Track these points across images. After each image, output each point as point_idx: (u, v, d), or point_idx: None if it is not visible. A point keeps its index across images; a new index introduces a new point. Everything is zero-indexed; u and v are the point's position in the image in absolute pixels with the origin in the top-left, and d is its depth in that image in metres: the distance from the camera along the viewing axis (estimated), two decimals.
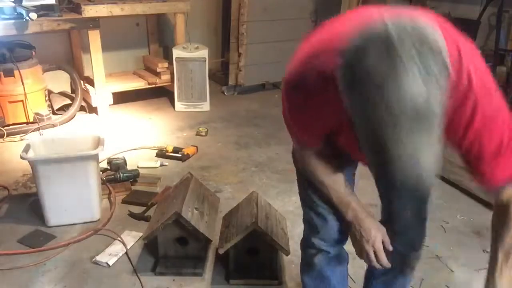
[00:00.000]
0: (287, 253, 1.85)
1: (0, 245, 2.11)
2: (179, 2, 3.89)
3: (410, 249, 1.37)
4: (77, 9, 3.41)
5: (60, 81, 3.96)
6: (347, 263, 1.48)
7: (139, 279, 1.91)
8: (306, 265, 1.44)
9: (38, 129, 3.36)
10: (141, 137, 3.41)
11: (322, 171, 1.18)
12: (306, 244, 1.39)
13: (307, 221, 1.37)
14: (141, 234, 2.16)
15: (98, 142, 2.24)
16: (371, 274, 1.53)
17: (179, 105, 4.02)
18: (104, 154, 2.79)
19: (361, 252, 1.20)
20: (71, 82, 3.93)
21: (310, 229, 1.36)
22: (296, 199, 2.53)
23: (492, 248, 1.00)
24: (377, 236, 1.17)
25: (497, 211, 1.00)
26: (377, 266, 1.19)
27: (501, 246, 0.97)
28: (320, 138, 1.11)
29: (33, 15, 3.04)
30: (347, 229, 1.24)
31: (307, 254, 1.40)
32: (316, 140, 1.12)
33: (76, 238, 2.15)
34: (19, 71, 3.28)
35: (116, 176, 2.62)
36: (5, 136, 3.28)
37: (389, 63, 0.69)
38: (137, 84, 4.03)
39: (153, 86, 4.06)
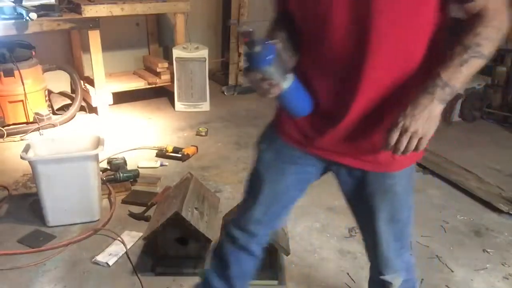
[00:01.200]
0: (287, 253, 1.85)
1: (0, 245, 2.11)
2: (179, 2, 3.89)
3: (376, 272, 1.33)
4: (77, 9, 3.41)
5: (60, 81, 3.96)
6: (255, 262, 1.43)
7: (139, 279, 1.90)
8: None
9: (38, 129, 3.36)
10: (141, 137, 3.41)
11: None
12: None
13: None
14: (141, 234, 2.16)
15: (98, 142, 2.24)
16: None
17: (179, 105, 4.02)
18: (104, 154, 2.79)
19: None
20: (71, 82, 3.93)
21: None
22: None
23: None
24: None
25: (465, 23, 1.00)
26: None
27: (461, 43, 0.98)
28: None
29: (33, 15, 3.05)
30: None
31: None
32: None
33: (76, 238, 2.15)
34: (19, 71, 3.28)
35: (116, 176, 2.62)
36: (5, 136, 3.28)
37: None
38: (137, 84, 4.03)
39: (153, 86, 4.06)
